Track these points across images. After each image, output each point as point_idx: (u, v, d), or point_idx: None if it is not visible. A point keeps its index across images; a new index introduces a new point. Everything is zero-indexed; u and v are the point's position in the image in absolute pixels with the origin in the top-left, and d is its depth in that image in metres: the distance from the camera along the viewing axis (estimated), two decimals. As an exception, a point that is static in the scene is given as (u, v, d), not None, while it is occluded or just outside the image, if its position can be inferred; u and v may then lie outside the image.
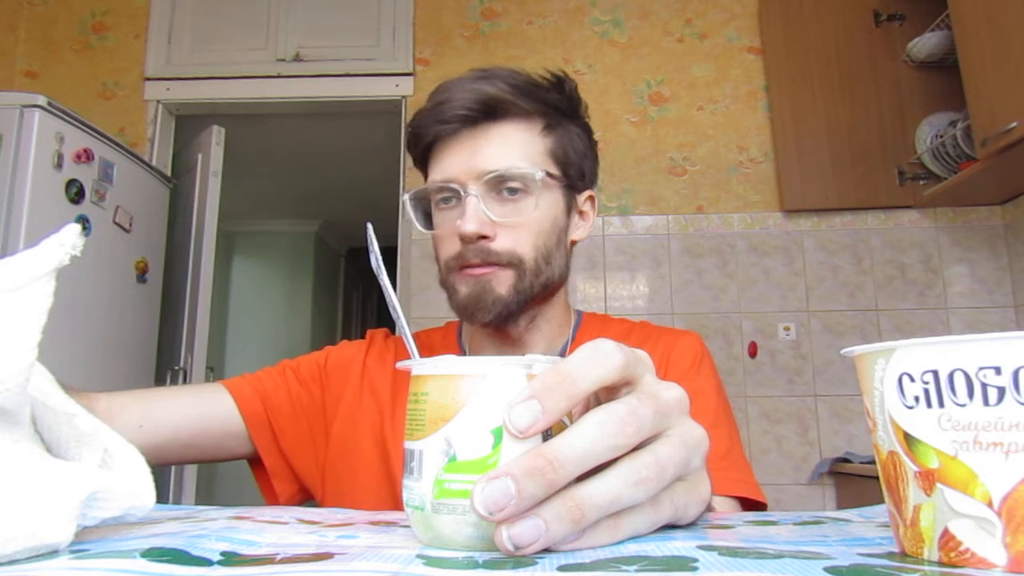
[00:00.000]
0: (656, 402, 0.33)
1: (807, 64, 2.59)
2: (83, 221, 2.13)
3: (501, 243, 0.70)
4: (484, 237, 0.69)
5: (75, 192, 2.09)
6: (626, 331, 0.84)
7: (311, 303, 4.88)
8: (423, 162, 0.77)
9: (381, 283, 0.48)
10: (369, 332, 0.88)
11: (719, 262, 2.56)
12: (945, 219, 2.52)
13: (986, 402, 0.27)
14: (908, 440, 0.29)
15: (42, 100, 2.00)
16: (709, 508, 0.42)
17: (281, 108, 2.87)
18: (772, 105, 2.62)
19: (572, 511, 0.29)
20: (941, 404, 0.28)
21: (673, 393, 0.35)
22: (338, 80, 2.79)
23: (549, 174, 0.72)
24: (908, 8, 2.56)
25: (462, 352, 0.82)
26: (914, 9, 2.54)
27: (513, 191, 0.70)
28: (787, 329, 2.49)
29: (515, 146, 0.71)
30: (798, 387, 2.46)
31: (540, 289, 0.73)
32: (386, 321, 6.52)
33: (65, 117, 2.07)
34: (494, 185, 0.70)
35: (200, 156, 2.67)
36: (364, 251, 5.74)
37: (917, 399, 0.29)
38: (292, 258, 4.92)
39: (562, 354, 0.79)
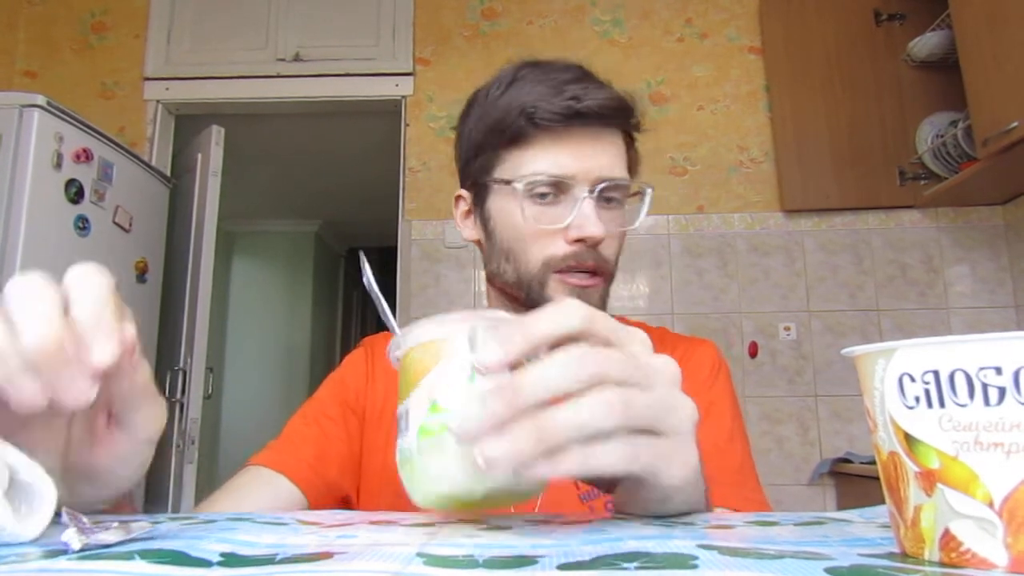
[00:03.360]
0: (631, 359, 0.35)
1: (807, 64, 2.59)
2: (83, 221, 2.13)
3: (607, 249, 0.70)
4: (602, 239, 0.69)
5: (75, 192, 2.09)
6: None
7: (311, 303, 4.88)
8: (511, 145, 0.70)
9: (380, 308, 0.46)
10: (367, 340, 0.85)
11: (719, 262, 2.56)
12: (946, 219, 2.51)
13: (987, 402, 0.27)
14: (909, 440, 0.29)
15: (41, 100, 2.00)
16: (708, 506, 0.44)
17: (281, 108, 2.87)
18: (772, 105, 2.62)
19: (538, 429, 0.31)
20: (942, 404, 0.28)
21: (660, 361, 0.37)
22: (338, 80, 2.79)
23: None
24: (908, 8, 2.56)
25: None
26: (914, 9, 2.54)
27: (610, 200, 0.71)
28: (787, 329, 2.48)
29: (621, 156, 0.71)
30: (799, 387, 2.45)
31: (607, 299, 0.74)
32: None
33: (65, 117, 2.07)
34: (603, 192, 0.69)
35: (200, 156, 2.67)
36: (364, 251, 5.74)
37: (918, 399, 0.29)
38: (292, 258, 4.92)
39: None
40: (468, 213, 0.78)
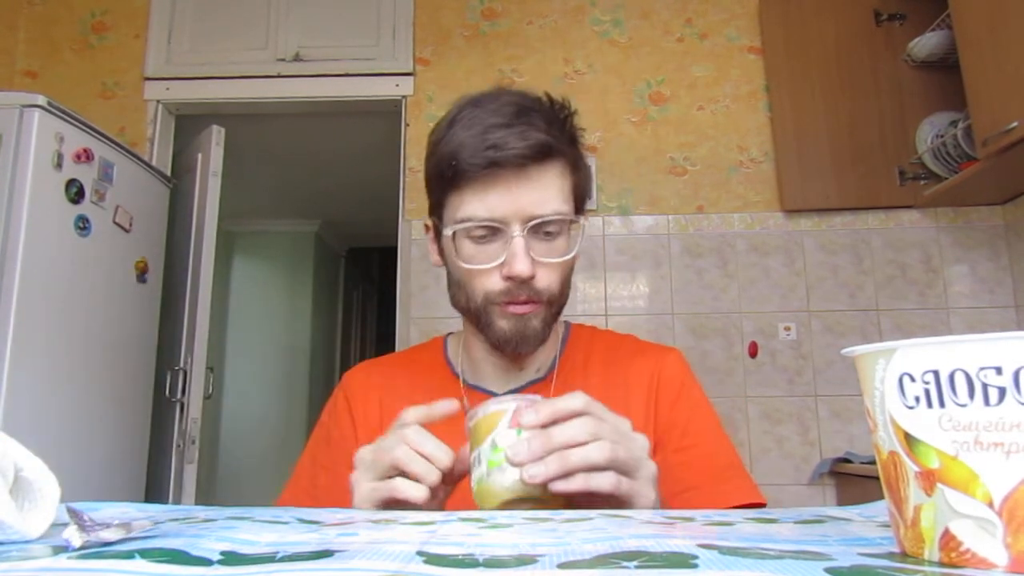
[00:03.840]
0: (618, 429, 0.58)
1: (807, 64, 2.59)
2: (83, 221, 2.13)
3: (541, 281, 0.74)
4: (531, 276, 0.73)
5: (75, 192, 2.09)
6: (614, 342, 0.88)
7: (311, 303, 4.88)
8: (449, 187, 0.75)
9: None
10: (345, 382, 0.89)
11: (719, 262, 2.56)
12: (946, 219, 2.52)
13: (987, 402, 0.27)
14: (909, 440, 0.29)
15: (42, 100, 2.00)
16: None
17: (281, 108, 2.87)
18: (772, 105, 2.62)
19: (560, 459, 0.54)
20: (942, 404, 0.28)
21: (639, 436, 0.60)
22: (338, 80, 2.79)
23: (578, 213, 0.77)
24: (909, 8, 2.56)
25: (452, 372, 0.86)
26: (915, 9, 2.54)
27: (548, 233, 0.74)
28: (787, 329, 2.48)
29: (556, 188, 0.74)
30: (798, 387, 2.45)
31: (560, 311, 0.80)
32: (385, 321, 6.52)
33: (65, 117, 2.07)
34: (537, 227, 0.73)
35: (200, 156, 2.67)
36: (364, 251, 5.74)
37: (918, 399, 0.29)
38: (292, 258, 4.91)
39: (552, 367, 0.84)
40: (433, 240, 0.83)
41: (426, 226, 0.84)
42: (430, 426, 0.80)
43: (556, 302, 0.77)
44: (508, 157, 0.69)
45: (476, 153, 0.70)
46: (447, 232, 0.75)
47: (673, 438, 0.80)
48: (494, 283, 0.74)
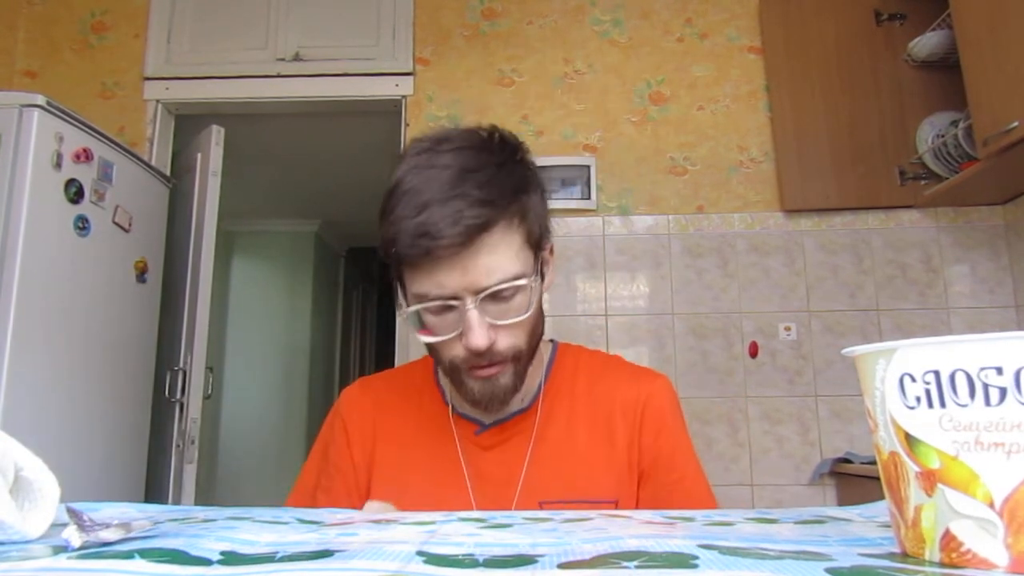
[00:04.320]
0: None
1: (807, 64, 2.59)
2: (82, 221, 2.13)
3: (503, 342, 0.74)
4: (489, 345, 0.72)
5: (74, 192, 2.09)
6: (599, 365, 0.88)
7: (311, 303, 4.88)
8: (398, 265, 0.75)
9: None
10: (344, 401, 0.91)
11: (719, 262, 2.55)
12: (946, 219, 2.51)
13: (987, 402, 0.27)
14: (909, 440, 0.29)
15: (41, 100, 1.99)
16: None
17: (281, 108, 2.87)
18: (772, 105, 2.62)
19: None
20: (942, 404, 0.28)
21: None
22: (338, 80, 2.79)
23: (534, 265, 0.75)
24: (909, 7, 2.56)
25: (442, 398, 0.86)
26: (915, 8, 2.54)
27: (503, 295, 0.73)
28: (787, 329, 2.48)
29: (503, 253, 0.71)
30: (799, 387, 2.45)
31: (531, 358, 0.79)
32: (385, 321, 6.52)
33: (64, 117, 2.07)
34: (491, 294, 0.71)
35: (200, 156, 2.67)
36: (364, 251, 5.74)
37: (918, 399, 0.29)
38: (292, 258, 4.91)
39: (537, 393, 0.84)
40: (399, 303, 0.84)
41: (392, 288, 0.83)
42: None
43: (524, 355, 0.77)
44: (440, 247, 0.68)
45: (412, 242, 0.69)
46: (404, 311, 0.75)
47: (660, 470, 0.81)
48: (457, 351, 0.74)
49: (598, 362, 0.88)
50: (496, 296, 0.72)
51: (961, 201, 2.47)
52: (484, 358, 0.73)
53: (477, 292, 0.70)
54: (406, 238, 0.69)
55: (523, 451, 0.81)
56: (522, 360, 0.77)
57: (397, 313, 0.82)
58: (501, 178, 0.73)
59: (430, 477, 0.82)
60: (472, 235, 0.69)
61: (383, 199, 0.75)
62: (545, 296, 0.80)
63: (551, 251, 0.83)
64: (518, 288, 0.73)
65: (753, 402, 2.45)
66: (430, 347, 0.78)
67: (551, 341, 0.90)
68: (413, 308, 0.73)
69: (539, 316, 0.79)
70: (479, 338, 0.70)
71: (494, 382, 0.75)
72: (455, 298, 0.71)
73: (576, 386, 0.85)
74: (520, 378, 0.77)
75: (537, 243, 0.76)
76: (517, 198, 0.74)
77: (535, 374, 0.84)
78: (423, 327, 0.75)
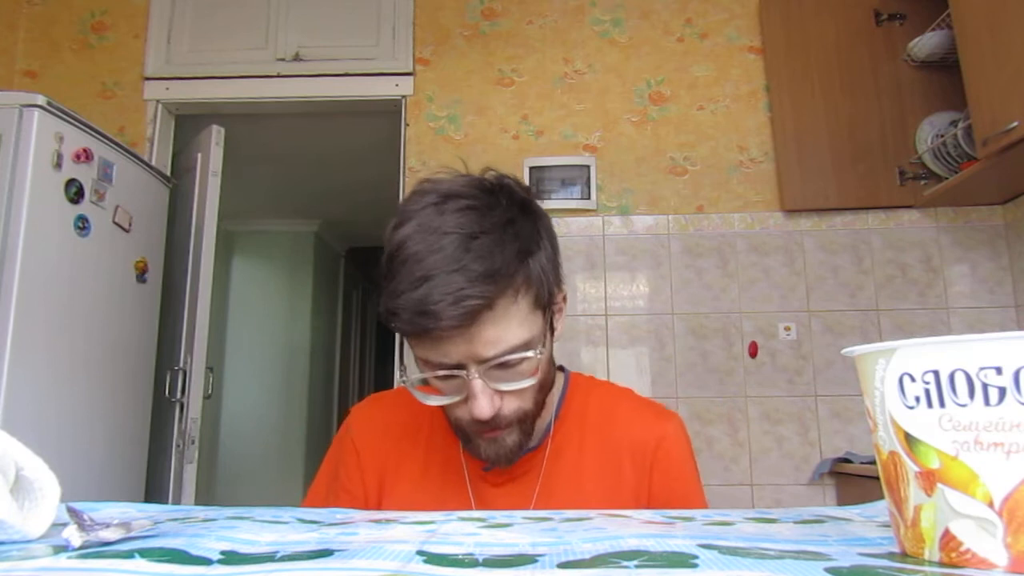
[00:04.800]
0: None
1: (807, 64, 2.59)
2: (83, 221, 2.13)
3: (509, 407, 0.73)
4: (493, 415, 0.71)
5: (74, 192, 2.09)
6: (610, 401, 0.86)
7: (311, 303, 4.88)
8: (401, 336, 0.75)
9: None
10: (352, 420, 0.91)
11: (719, 262, 2.56)
12: (946, 219, 2.51)
13: (987, 402, 0.27)
14: (909, 440, 0.29)
15: (41, 100, 2.00)
16: None
17: (281, 108, 2.87)
18: (772, 105, 2.62)
19: None
20: (942, 404, 0.28)
21: None
22: (338, 80, 2.79)
23: (542, 327, 0.74)
24: (909, 7, 2.56)
25: (452, 430, 0.84)
26: (915, 8, 2.54)
27: (512, 362, 0.71)
28: (787, 329, 2.48)
29: (509, 324, 0.70)
30: (799, 387, 2.45)
31: (539, 414, 0.78)
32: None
33: (65, 117, 2.07)
34: (497, 364, 0.70)
35: (200, 156, 2.67)
36: (364, 251, 5.74)
37: (918, 399, 0.29)
38: (292, 258, 4.91)
39: (547, 431, 0.83)
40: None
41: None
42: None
43: (530, 416, 0.76)
44: (441, 327, 0.66)
45: (412, 319, 0.67)
46: (407, 377, 0.75)
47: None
48: (463, 413, 0.73)
49: (609, 398, 0.87)
50: (502, 365, 0.70)
51: (961, 201, 2.47)
52: (487, 427, 0.73)
53: (481, 362, 0.69)
54: (406, 315, 0.67)
55: (531, 489, 0.81)
56: (528, 420, 0.76)
57: (398, 373, 0.81)
58: (506, 242, 0.70)
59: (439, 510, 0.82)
60: (474, 315, 0.67)
61: (385, 258, 0.72)
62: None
63: (564, 298, 0.81)
64: (524, 357, 0.71)
65: (753, 402, 2.45)
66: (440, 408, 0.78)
67: (562, 370, 0.88)
68: (416, 376, 0.73)
69: (548, 372, 0.78)
70: (484, 408, 0.70)
71: (500, 442, 0.75)
72: (459, 367, 0.70)
73: (586, 423, 0.84)
74: (527, 435, 0.76)
75: (545, 304, 0.75)
76: (523, 264, 0.71)
77: (545, 415, 0.83)
78: (428, 386, 0.75)
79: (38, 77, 2.85)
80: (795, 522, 0.40)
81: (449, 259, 0.67)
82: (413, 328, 0.68)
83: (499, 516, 0.45)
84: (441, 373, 0.71)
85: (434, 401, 0.74)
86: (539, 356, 0.72)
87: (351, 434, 0.88)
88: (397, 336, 2.64)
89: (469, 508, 0.81)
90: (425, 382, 0.74)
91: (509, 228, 0.70)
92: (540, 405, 0.77)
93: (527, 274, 0.72)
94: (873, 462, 1.91)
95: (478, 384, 0.69)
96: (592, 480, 0.81)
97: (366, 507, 0.84)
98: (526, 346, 0.70)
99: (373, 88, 2.78)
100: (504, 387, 0.71)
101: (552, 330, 0.78)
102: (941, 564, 0.28)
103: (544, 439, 0.83)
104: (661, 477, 0.80)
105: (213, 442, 4.51)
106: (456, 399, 0.72)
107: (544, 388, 0.78)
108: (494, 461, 0.76)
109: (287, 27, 2.84)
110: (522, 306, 0.71)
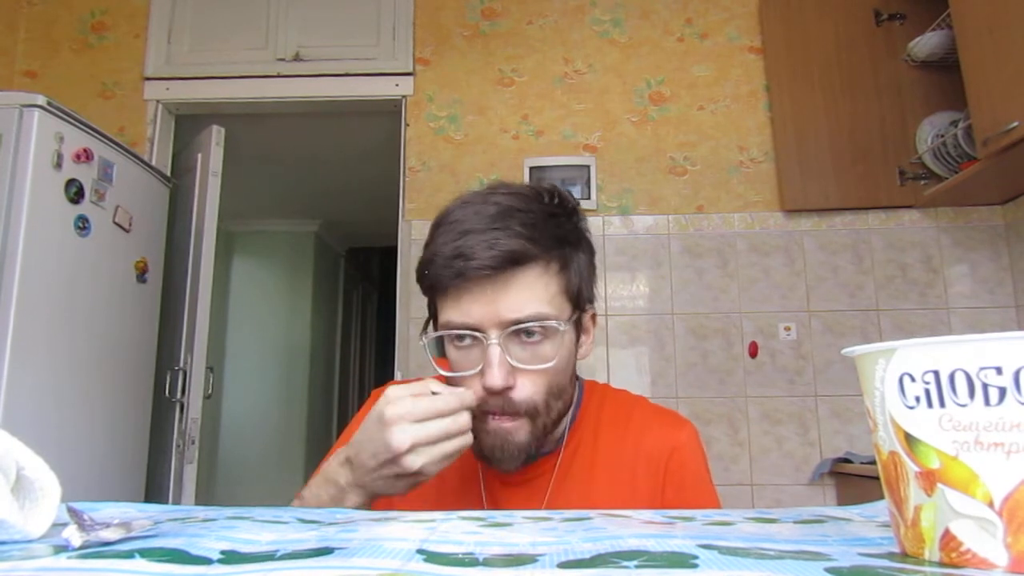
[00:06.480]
0: None
1: (808, 64, 2.59)
2: (83, 221, 2.13)
3: (520, 392, 0.72)
4: (506, 388, 0.70)
5: (75, 192, 2.09)
6: (625, 409, 0.85)
7: (311, 303, 4.88)
8: (431, 293, 0.76)
9: None
10: (374, 394, 0.89)
11: (719, 262, 2.56)
12: (946, 219, 2.52)
13: (987, 402, 0.27)
14: (909, 440, 0.29)
15: (42, 100, 2.00)
16: None
17: (281, 108, 2.87)
18: (772, 105, 2.62)
19: None
20: (942, 404, 0.28)
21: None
22: (338, 80, 2.79)
23: (570, 317, 0.74)
24: (909, 7, 2.56)
25: None
26: (915, 8, 2.54)
27: (532, 333, 0.71)
28: (787, 329, 2.48)
29: (536, 291, 0.71)
30: (799, 387, 2.45)
31: (553, 423, 0.76)
32: (384, 320, 6.51)
33: (65, 117, 2.07)
34: (518, 332, 0.70)
35: (200, 156, 2.67)
36: (364, 251, 5.74)
37: (918, 399, 0.29)
38: (292, 258, 4.91)
39: (562, 439, 0.82)
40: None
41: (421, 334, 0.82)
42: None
43: (540, 416, 0.73)
44: (472, 268, 0.68)
45: (446, 264, 0.69)
46: (427, 335, 0.75)
47: None
48: (476, 391, 0.71)
49: (623, 406, 0.86)
50: (522, 336, 0.70)
51: (961, 201, 2.47)
52: (495, 406, 0.71)
53: (502, 326, 0.69)
54: (440, 260, 0.70)
55: (543, 492, 0.80)
56: (538, 419, 0.74)
57: (421, 338, 0.80)
58: (548, 225, 0.72)
59: (450, 509, 0.81)
60: (505, 262, 0.68)
61: (430, 229, 0.76)
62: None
63: (593, 319, 0.81)
64: (546, 331, 0.71)
65: (753, 402, 2.45)
66: (449, 384, 0.76)
67: (578, 380, 0.87)
68: (436, 334, 0.73)
69: (566, 376, 0.76)
70: (496, 377, 0.69)
71: (507, 437, 0.72)
72: (479, 330, 0.70)
73: (600, 430, 0.83)
74: (536, 439, 0.74)
75: (576, 299, 0.74)
76: (561, 248, 0.73)
77: (561, 421, 0.82)
78: (443, 356, 0.74)
79: (38, 77, 2.85)
80: (795, 522, 0.40)
81: (489, 220, 0.70)
82: (445, 272, 0.69)
83: (499, 515, 0.45)
84: (462, 333, 0.71)
85: (448, 374, 0.73)
86: (562, 339, 0.72)
87: None
88: (397, 336, 2.64)
89: (480, 507, 0.80)
90: (443, 348, 0.74)
91: (552, 219, 0.73)
92: (550, 409, 0.75)
93: (563, 258, 0.73)
94: (873, 462, 1.91)
95: (495, 351, 0.69)
96: (604, 486, 0.80)
97: None
98: (547, 319, 0.70)
99: (373, 88, 2.78)
100: (521, 364, 0.70)
101: (577, 337, 0.77)
102: (941, 564, 0.28)
103: (558, 445, 0.82)
104: (674, 487, 0.80)
105: (213, 442, 4.51)
106: (470, 373, 0.71)
107: (558, 393, 0.75)
108: (499, 458, 0.74)
109: (287, 27, 2.84)
110: (553, 285, 0.72)
